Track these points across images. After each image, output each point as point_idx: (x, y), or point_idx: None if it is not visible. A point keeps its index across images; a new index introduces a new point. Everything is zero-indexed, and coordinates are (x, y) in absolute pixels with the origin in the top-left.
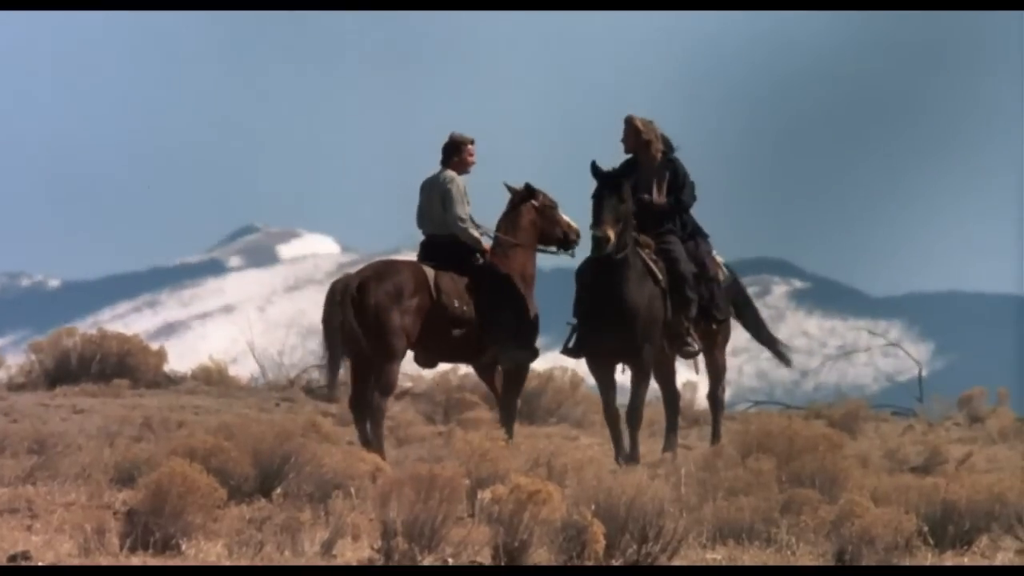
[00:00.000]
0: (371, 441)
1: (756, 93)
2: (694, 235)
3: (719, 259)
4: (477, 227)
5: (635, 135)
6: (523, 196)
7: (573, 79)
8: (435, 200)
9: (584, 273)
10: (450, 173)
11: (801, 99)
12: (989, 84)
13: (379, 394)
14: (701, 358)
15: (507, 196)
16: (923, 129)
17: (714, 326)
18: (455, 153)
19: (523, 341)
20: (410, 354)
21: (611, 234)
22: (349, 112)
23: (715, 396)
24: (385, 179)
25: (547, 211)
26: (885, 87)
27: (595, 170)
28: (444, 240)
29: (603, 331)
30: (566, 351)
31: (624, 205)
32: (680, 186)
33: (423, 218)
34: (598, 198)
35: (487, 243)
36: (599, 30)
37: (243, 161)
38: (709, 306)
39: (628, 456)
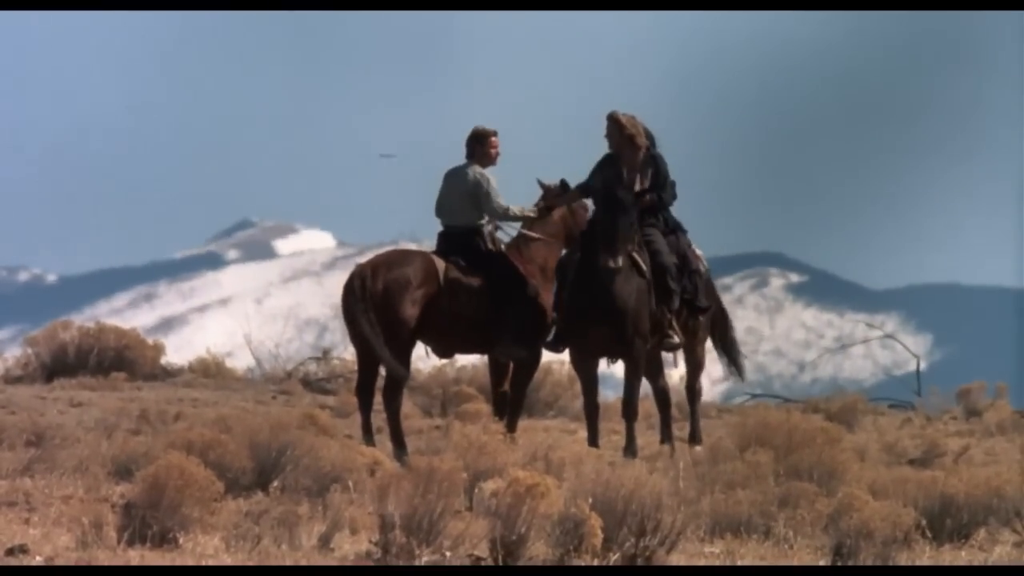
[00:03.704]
0: (373, 431)
1: (755, 88)
2: (675, 229)
3: (699, 252)
4: (515, 216)
5: (619, 130)
6: (557, 193)
7: (571, 77)
8: (455, 192)
9: (567, 267)
10: (477, 168)
11: (800, 93)
12: (988, 80)
13: (390, 382)
14: (680, 353)
15: (519, 190)
16: (922, 123)
17: (699, 318)
18: (478, 145)
19: (524, 337)
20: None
21: (621, 263)
22: (345, 107)
23: (692, 389)
24: (381, 174)
25: (578, 211)
26: (884, 82)
27: (604, 191)
28: (459, 231)
29: (592, 325)
30: (547, 345)
31: (634, 227)
32: (662, 183)
33: (441, 208)
34: (612, 225)
35: (502, 237)
36: (599, 27)
37: (240, 156)
38: (692, 298)
39: (627, 449)
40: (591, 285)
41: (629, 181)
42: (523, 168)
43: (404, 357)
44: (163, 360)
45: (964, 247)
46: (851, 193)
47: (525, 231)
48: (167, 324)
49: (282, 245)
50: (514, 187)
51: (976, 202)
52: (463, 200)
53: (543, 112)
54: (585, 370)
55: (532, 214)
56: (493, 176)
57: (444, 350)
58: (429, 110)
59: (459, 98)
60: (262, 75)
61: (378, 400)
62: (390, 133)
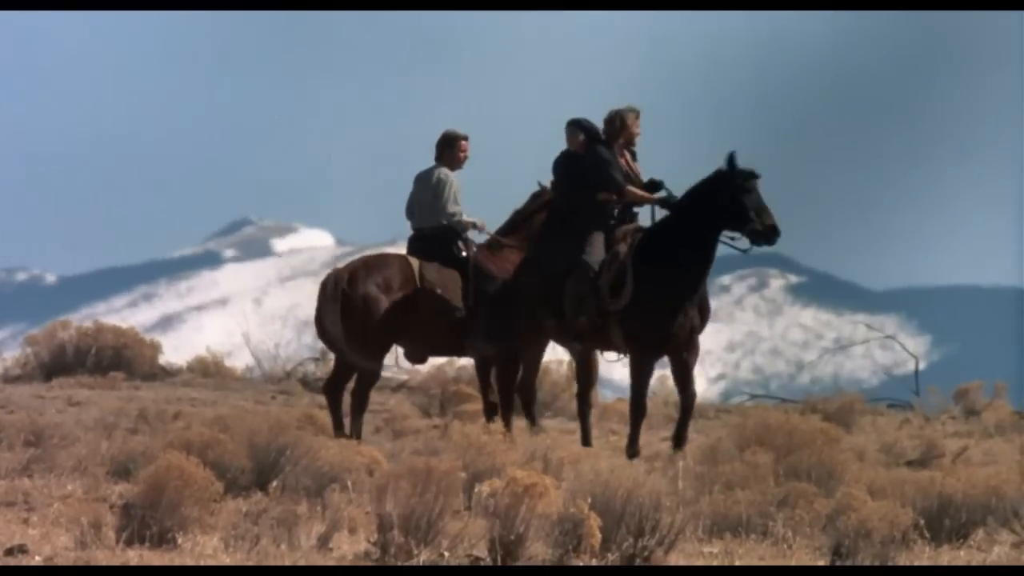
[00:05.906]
0: (351, 430)
1: (754, 89)
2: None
3: None
4: (472, 225)
5: (632, 126)
6: (548, 201)
7: (568, 76)
8: (425, 194)
9: (687, 254)
10: (444, 170)
11: (798, 93)
12: (989, 80)
13: (363, 384)
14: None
15: (510, 190)
16: (921, 123)
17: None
18: (448, 148)
19: (494, 335)
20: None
21: None
22: (344, 106)
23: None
24: (380, 173)
25: None
26: (884, 82)
27: (738, 167)
28: (431, 233)
29: (690, 319)
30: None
31: None
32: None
33: (411, 210)
34: (753, 190)
35: (478, 237)
36: (596, 28)
37: (238, 155)
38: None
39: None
40: (689, 277)
41: (626, 178)
42: (527, 167)
43: (380, 357)
44: (161, 360)
45: (964, 247)
46: (850, 194)
47: (498, 237)
48: (166, 323)
49: (281, 244)
50: (517, 187)
51: (976, 202)
52: (430, 202)
53: (546, 111)
54: (650, 369)
55: (479, 225)
56: (457, 180)
57: (419, 353)
58: (430, 109)
59: (460, 97)
60: (261, 74)
61: (376, 398)
62: (391, 132)
